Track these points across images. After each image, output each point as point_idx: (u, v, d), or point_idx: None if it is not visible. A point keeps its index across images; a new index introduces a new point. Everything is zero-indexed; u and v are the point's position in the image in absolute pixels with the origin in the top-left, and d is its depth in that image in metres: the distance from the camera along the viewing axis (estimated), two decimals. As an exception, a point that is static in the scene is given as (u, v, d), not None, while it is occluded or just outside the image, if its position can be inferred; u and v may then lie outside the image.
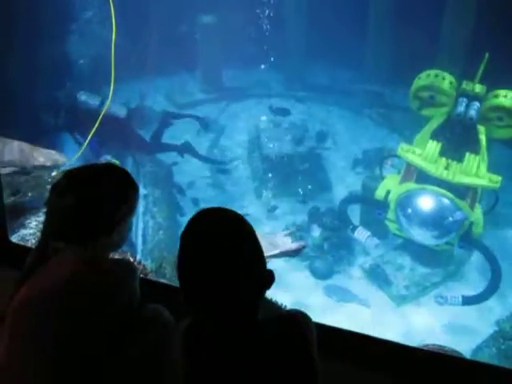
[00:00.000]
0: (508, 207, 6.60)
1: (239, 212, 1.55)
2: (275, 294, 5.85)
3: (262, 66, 9.02)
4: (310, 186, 7.88)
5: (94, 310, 1.62)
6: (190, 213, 7.21)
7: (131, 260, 1.89)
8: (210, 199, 7.56)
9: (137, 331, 1.71)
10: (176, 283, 1.63)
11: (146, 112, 8.66)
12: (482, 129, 6.05)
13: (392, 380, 2.03)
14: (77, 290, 1.63)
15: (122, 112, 6.75)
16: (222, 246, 1.42)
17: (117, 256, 2.42)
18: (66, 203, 1.72)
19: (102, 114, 5.38)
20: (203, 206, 7.43)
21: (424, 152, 5.99)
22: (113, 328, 1.64)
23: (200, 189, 7.82)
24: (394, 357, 2.04)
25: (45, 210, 1.82)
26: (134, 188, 1.87)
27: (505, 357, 4.97)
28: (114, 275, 1.71)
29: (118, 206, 1.80)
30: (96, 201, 1.74)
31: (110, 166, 1.92)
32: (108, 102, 5.85)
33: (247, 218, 1.53)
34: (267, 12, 8.41)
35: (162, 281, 2.79)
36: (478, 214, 5.88)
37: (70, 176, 1.80)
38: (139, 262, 3.32)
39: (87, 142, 4.99)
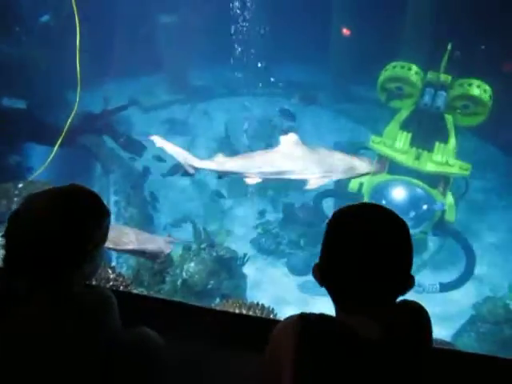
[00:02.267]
0: (478, 193, 6.75)
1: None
2: (255, 292, 5.84)
3: (228, 65, 8.94)
4: (282, 183, 7.86)
5: (78, 352, 1.53)
6: (162, 217, 7.12)
7: (105, 290, 1.72)
8: (182, 202, 7.48)
9: (122, 360, 1.62)
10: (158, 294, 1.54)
11: (110, 116, 8.45)
12: (449, 118, 6.15)
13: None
14: (57, 340, 1.50)
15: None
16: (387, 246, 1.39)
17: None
18: (27, 237, 1.52)
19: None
20: (175, 209, 7.36)
21: (395, 143, 6.04)
22: (99, 363, 1.55)
23: (171, 191, 7.70)
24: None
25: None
26: (105, 214, 1.67)
27: (484, 340, 5.08)
28: (92, 314, 1.56)
29: (90, 236, 1.61)
30: (63, 233, 1.54)
31: (77, 191, 1.66)
32: (75, 107, 5.65)
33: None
34: (231, 10, 8.34)
35: (144, 293, 2.69)
36: (449, 201, 5.97)
37: (31, 204, 1.58)
38: (116, 272, 3.23)
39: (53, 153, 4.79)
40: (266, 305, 3.12)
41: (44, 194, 1.60)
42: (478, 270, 5.79)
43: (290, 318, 1.47)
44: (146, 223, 6.67)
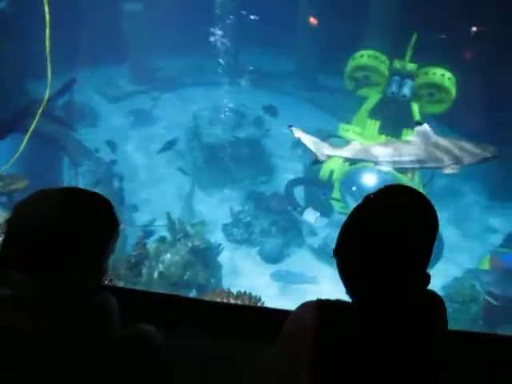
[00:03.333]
0: (444, 177, 6.95)
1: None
2: (230, 281, 5.87)
3: (194, 54, 8.86)
4: (252, 172, 7.91)
5: (78, 351, 1.51)
6: (134, 209, 7.03)
7: (106, 294, 1.70)
8: (152, 194, 7.41)
9: (124, 359, 1.62)
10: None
11: (77, 107, 8.28)
12: (415, 105, 6.31)
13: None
14: (57, 340, 1.47)
15: None
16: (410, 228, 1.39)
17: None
18: (46, 227, 1.50)
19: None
20: (146, 203, 7.28)
21: (363, 131, 6.16)
22: (100, 362, 1.55)
23: (141, 184, 7.62)
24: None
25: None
26: (116, 224, 1.67)
27: (453, 319, 5.28)
28: (95, 316, 1.54)
29: (101, 236, 1.60)
30: (84, 228, 1.54)
31: (94, 195, 1.66)
32: (46, 97, 5.47)
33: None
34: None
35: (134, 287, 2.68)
36: (418, 185, 6.14)
37: (53, 196, 1.57)
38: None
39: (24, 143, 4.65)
40: (254, 293, 3.16)
41: (70, 191, 1.61)
42: (446, 252, 6.00)
43: (305, 306, 1.48)
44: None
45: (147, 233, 5.70)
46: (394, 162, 4.98)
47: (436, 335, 1.48)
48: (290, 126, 5.24)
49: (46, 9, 4.30)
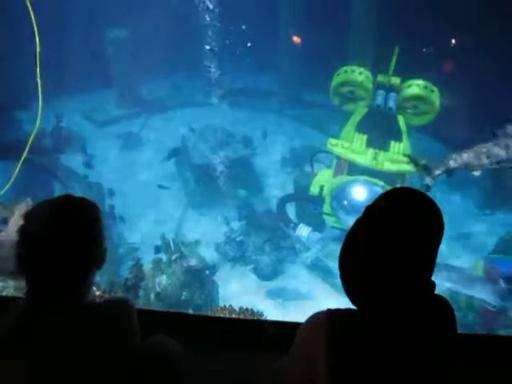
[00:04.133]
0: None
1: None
2: (226, 300, 5.84)
3: (179, 76, 8.92)
4: (243, 191, 7.94)
5: (99, 362, 1.54)
6: (126, 230, 7.01)
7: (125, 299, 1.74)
8: (145, 216, 7.40)
9: (144, 367, 1.64)
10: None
11: (64, 132, 8.29)
12: (401, 118, 6.42)
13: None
14: (78, 350, 1.52)
15: None
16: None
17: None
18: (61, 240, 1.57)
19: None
20: (138, 225, 7.26)
21: (352, 145, 6.23)
22: (122, 370, 1.57)
23: (132, 206, 7.60)
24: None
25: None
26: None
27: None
28: (114, 321, 1.59)
29: (98, 243, 1.68)
30: (92, 235, 1.65)
31: (79, 200, 1.71)
32: (38, 123, 5.47)
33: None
34: (181, 22, 8.36)
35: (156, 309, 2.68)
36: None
37: (37, 214, 1.63)
38: (101, 290, 3.18)
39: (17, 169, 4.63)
40: (255, 309, 3.16)
41: (49, 204, 1.65)
42: (439, 260, 6.03)
43: (317, 315, 1.50)
44: (110, 241, 6.57)
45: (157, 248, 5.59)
46: (493, 164, 4.86)
47: (446, 339, 1.50)
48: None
49: (37, 37, 4.29)
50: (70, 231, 1.59)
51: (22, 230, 1.60)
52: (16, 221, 3.78)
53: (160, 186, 7.65)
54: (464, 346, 2.14)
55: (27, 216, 1.63)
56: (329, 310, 1.48)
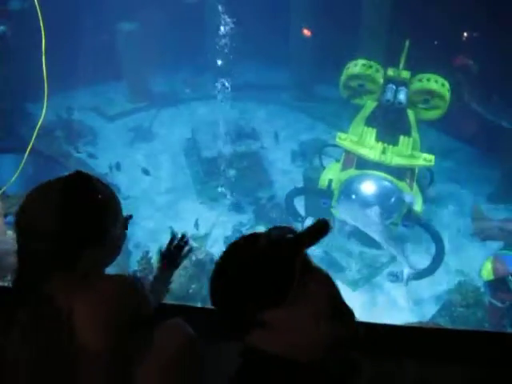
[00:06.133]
0: (443, 182, 7.02)
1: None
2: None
3: (190, 69, 8.92)
4: (252, 184, 7.94)
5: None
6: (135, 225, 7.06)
7: (126, 276, 1.79)
8: (154, 209, 7.45)
9: (157, 345, 1.68)
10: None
11: (76, 125, 8.36)
12: (411, 112, 6.38)
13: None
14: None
15: None
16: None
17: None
18: (45, 225, 1.58)
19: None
20: (147, 218, 7.31)
21: (361, 139, 6.21)
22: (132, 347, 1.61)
23: (142, 199, 7.65)
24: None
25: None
26: (108, 190, 1.75)
27: (458, 323, 5.30)
28: (116, 299, 1.62)
29: (101, 213, 1.67)
30: (76, 212, 1.60)
31: (78, 176, 1.72)
32: (42, 117, 5.54)
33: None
34: (192, 14, 8.35)
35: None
36: (416, 192, 6.19)
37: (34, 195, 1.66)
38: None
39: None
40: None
41: (45, 186, 1.68)
42: (449, 257, 6.03)
43: None
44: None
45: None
46: None
47: None
48: None
49: (43, 31, 4.33)
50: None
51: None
52: None
53: (144, 171, 7.70)
54: (471, 342, 2.16)
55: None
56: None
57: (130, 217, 1.83)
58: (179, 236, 2.29)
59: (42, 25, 4.21)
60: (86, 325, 1.54)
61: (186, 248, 2.27)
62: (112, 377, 1.59)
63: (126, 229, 1.82)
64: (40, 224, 1.57)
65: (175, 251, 2.24)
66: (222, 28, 8.51)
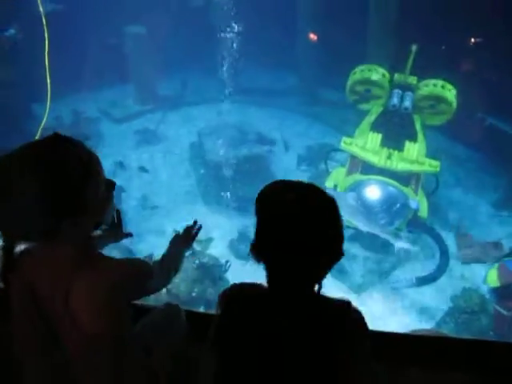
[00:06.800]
0: (448, 188, 6.99)
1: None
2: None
3: (198, 73, 8.93)
4: (257, 188, 7.92)
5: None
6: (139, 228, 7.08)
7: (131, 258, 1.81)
8: (158, 211, 7.46)
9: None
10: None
11: (82, 128, 8.39)
12: (417, 117, 6.37)
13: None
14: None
15: None
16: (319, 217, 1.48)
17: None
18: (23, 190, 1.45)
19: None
20: (151, 220, 7.32)
21: (366, 144, 6.19)
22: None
23: (146, 201, 7.67)
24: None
25: None
26: (91, 157, 1.62)
27: (463, 330, 5.27)
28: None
29: (82, 180, 1.54)
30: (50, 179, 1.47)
31: (55, 137, 1.58)
32: (44, 119, 5.60)
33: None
34: (199, 18, 8.37)
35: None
36: (421, 198, 6.17)
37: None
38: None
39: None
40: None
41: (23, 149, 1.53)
42: (453, 263, 6.00)
43: (220, 293, 1.66)
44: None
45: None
46: None
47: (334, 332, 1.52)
48: None
49: (46, 33, 4.38)
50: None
51: None
52: None
53: (140, 169, 7.72)
54: (475, 351, 2.14)
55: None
56: (231, 286, 1.65)
57: (114, 183, 1.72)
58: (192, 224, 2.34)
59: (45, 28, 4.22)
60: (84, 304, 1.48)
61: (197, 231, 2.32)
62: (109, 358, 1.55)
63: (111, 193, 1.72)
64: (14, 189, 1.45)
65: (188, 232, 2.28)
66: (228, 32, 8.54)
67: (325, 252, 1.50)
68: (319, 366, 1.48)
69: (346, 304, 1.60)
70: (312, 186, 1.55)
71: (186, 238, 2.26)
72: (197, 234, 2.32)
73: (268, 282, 1.56)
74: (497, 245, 6.35)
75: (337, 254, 1.53)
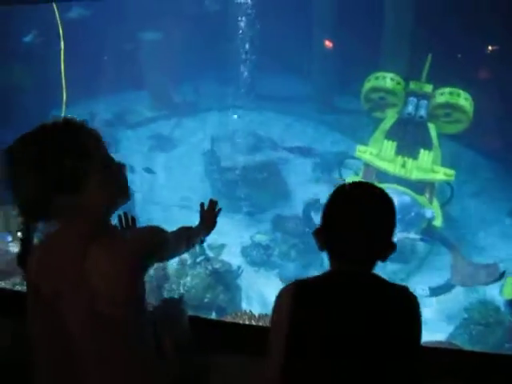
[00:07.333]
0: (463, 198, 6.91)
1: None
2: (249, 304, 5.85)
3: (212, 79, 8.97)
4: (270, 195, 7.93)
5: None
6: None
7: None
8: (171, 217, 7.49)
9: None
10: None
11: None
12: (432, 126, 6.32)
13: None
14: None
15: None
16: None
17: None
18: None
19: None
20: (164, 225, 7.35)
21: (380, 152, 6.16)
22: None
23: (160, 207, 7.70)
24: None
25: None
26: (92, 136, 1.64)
27: (477, 341, 5.18)
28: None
29: (76, 159, 1.55)
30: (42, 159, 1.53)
31: (64, 121, 1.64)
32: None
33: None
34: (214, 25, 8.42)
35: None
36: (436, 207, 6.11)
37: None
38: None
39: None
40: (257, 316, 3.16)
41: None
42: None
43: (285, 286, 1.64)
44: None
45: None
46: None
47: (405, 311, 1.61)
48: None
49: (62, 38, 4.44)
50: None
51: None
52: None
53: (146, 170, 7.79)
54: (491, 366, 2.11)
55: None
56: (296, 280, 1.63)
57: (123, 164, 1.78)
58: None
59: (61, 34, 4.27)
60: (103, 266, 1.50)
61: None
62: (125, 326, 1.54)
63: (118, 171, 1.75)
64: (19, 168, 1.55)
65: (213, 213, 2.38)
66: (243, 39, 8.59)
67: (387, 236, 1.65)
68: (399, 345, 1.56)
69: (406, 288, 1.67)
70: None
71: (210, 221, 2.36)
72: (217, 215, 2.41)
73: (332, 266, 1.63)
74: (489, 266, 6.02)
75: (392, 242, 1.66)
